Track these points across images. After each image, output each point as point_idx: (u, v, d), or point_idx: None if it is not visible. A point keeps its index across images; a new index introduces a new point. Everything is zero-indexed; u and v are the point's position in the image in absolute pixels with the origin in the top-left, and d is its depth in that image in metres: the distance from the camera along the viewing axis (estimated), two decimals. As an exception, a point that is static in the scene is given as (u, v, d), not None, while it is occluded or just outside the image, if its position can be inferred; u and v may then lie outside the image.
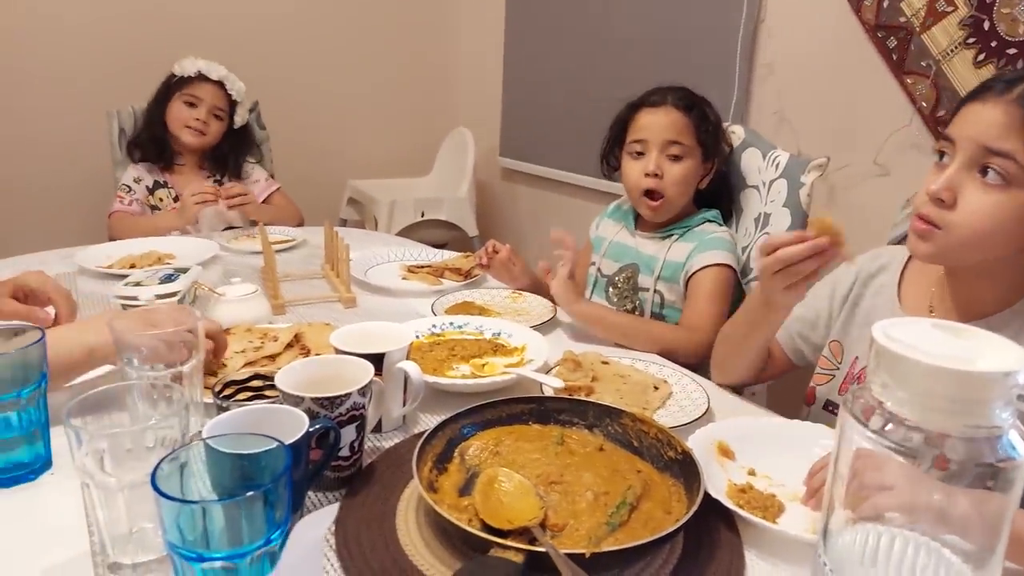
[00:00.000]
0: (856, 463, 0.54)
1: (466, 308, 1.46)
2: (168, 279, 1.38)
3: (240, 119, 2.31)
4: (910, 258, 1.10)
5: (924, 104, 1.70)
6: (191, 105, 2.19)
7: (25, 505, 0.78)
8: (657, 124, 1.50)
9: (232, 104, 2.27)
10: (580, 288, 1.35)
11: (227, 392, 0.87)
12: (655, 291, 1.52)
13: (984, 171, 0.87)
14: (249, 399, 0.87)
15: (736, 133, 1.64)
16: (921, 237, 0.93)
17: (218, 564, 0.55)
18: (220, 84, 2.22)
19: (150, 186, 2.23)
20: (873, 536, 0.54)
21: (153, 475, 0.55)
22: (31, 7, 2.62)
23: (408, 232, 2.84)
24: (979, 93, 0.90)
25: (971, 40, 1.61)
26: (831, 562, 0.55)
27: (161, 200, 2.23)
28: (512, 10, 3.05)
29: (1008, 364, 0.49)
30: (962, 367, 0.48)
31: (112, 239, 1.98)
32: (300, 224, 2.25)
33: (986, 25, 1.59)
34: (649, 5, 2.35)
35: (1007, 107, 0.85)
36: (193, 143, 2.22)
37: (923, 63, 1.70)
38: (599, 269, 1.65)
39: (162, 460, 0.58)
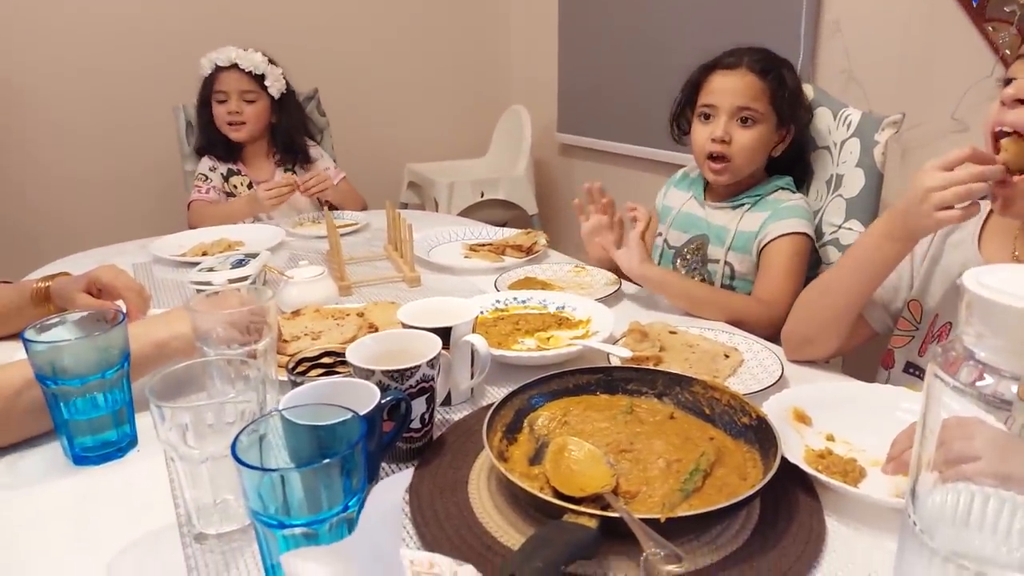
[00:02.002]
0: (943, 433, 0.52)
1: (529, 283, 1.45)
2: (239, 264, 1.42)
3: (275, 89, 2.26)
4: (991, 211, 1.04)
5: (1008, 52, 1.60)
6: (222, 101, 2.23)
7: (114, 481, 0.81)
8: (729, 88, 1.44)
9: (260, 79, 2.24)
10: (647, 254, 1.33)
11: (300, 369, 0.89)
12: (725, 262, 1.48)
13: None
14: (321, 375, 0.89)
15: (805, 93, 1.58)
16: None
17: (299, 530, 0.56)
18: (236, 67, 2.21)
19: (224, 174, 2.29)
20: (965, 496, 0.52)
21: (233, 446, 0.57)
22: (98, 8, 2.71)
23: (468, 213, 2.85)
24: None
25: (1057, -19, 1.52)
26: (921, 522, 0.53)
27: (236, 187, 2.29)
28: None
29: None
30: (1062, 311, 0.45)
31: (192, 227, 2.04)
32: (363, 210, 2.27)
33: (1073, -36, 1.49)
34: (707, -32, 2.29)
35: None
36: (237, 136, 2.25)
37: (1006, 8, 1.60)
38: (666, 240, 1.61)
39: (240, 432, 0.59)
